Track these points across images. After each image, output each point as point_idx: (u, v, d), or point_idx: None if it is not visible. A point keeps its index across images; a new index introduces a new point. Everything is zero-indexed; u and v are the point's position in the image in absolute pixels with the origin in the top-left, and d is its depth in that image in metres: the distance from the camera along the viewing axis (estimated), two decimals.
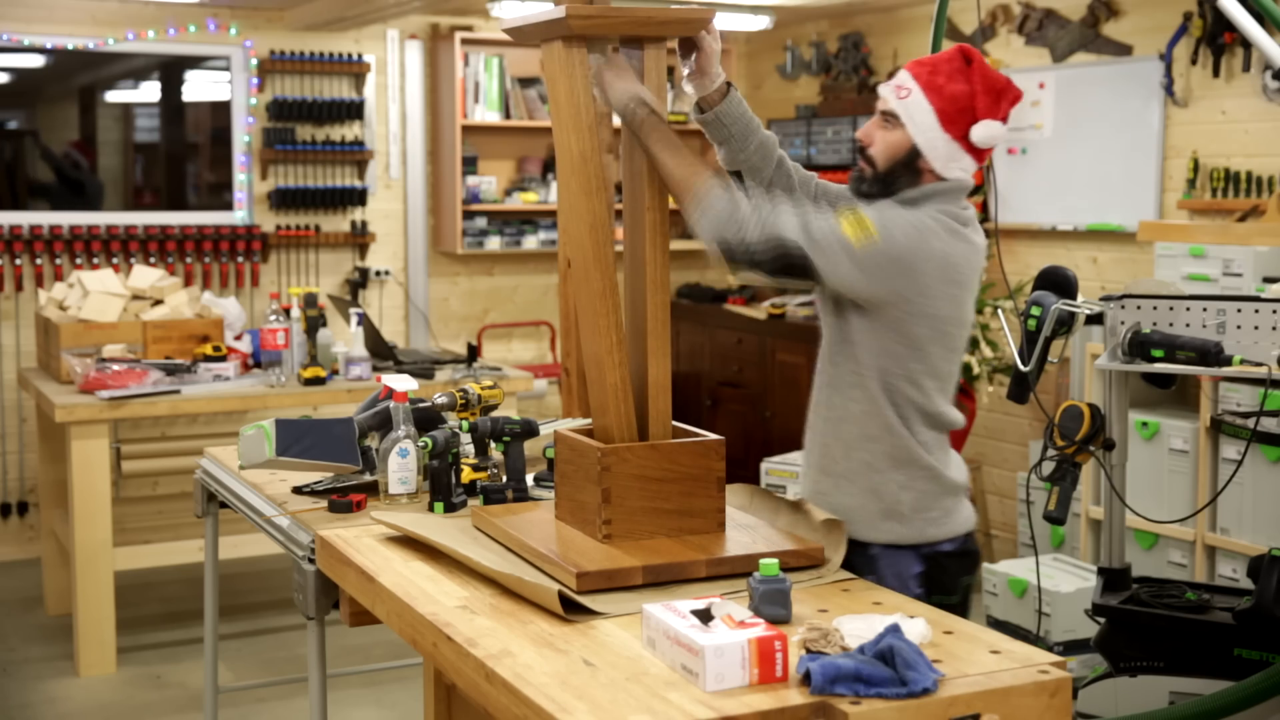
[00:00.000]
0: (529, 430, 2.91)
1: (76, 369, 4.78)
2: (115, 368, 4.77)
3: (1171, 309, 3.34)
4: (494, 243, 7.01)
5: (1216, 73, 5.21)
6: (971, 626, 2.14)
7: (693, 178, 2.46)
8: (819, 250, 2.40)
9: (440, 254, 7.12)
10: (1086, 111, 5.76)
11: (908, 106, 2.51)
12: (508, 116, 7.02)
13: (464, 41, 6.84)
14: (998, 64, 6.13)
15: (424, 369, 5.15)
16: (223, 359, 4.99)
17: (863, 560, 2.53)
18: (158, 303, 5.25)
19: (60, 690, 4.72)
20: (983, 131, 2.51)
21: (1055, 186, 5.92)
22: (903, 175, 2.54)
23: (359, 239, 6.85)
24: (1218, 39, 5.16)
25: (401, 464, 2.86)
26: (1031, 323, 3.21)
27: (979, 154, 2.57)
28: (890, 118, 2.54)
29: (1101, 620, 3.43)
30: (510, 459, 2.85)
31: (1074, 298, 3.28)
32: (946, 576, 2.56)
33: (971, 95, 2.50)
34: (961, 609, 2.59)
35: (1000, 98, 2.51)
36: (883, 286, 2.44)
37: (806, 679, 1.84)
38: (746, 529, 2.50)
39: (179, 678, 4.83)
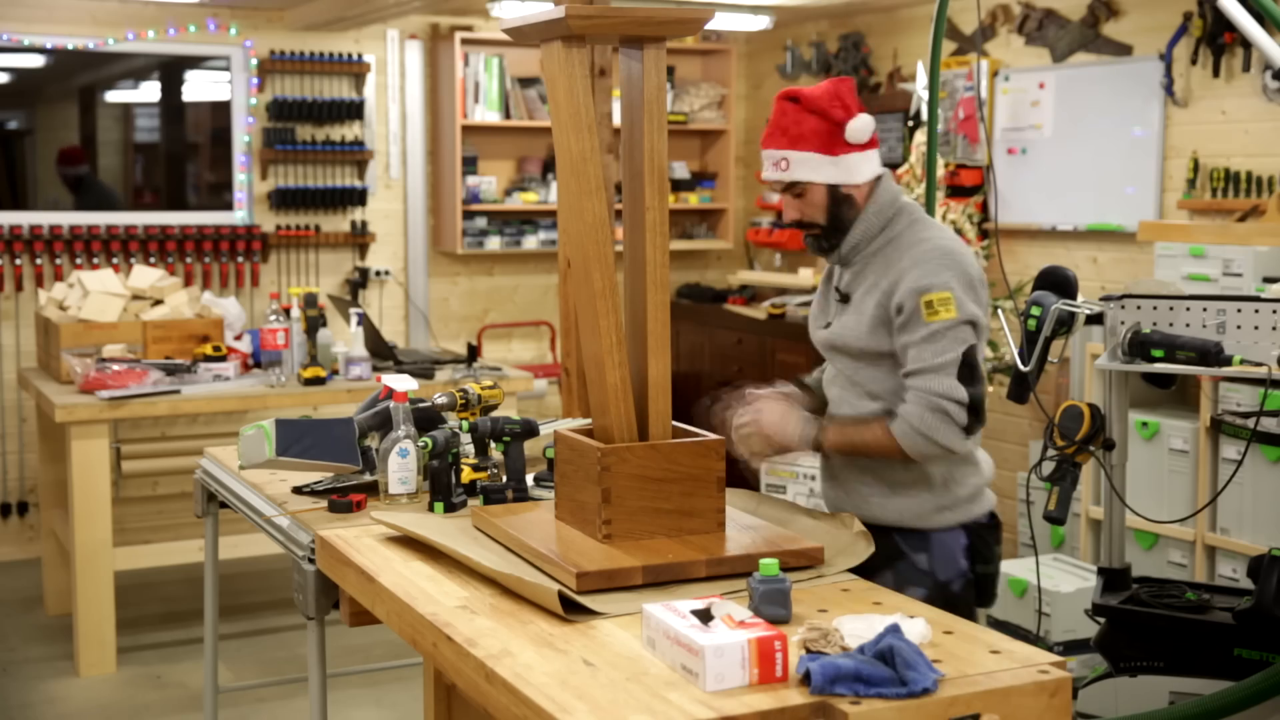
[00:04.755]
0: (529, 430, 2.91)
1: (76, 369, 4.78)
2: (115, 368, 4.77)
3: (1171, 309, 3.34)
4: (494, 243, 7.01)
5: (1216, 73, 5.21)
6: (971, 626, 2.14)
7: (885, 443, 2.66)
8: (959, 347, 2.60)
9: (440, 254, 7.12)
10: (1086, 111, 5.76)
11: (796, 171, 2.71)
12: (508, 116, 7.02)
13: (464, 41, 6.84)
14: (998, 64, 6.14)
15: (424, 369, 5.15)
16: (223, 359, 4.99)
17: (917, 542, 2.71)
18: (158, 303, 5.25)
19: (60, 690, 4.72)
20: (855, 127, 2.68)
21: (1055, 186, 5.92)
22: (842, 209, 2.73)
23: (359, 239, 6.85)
24: (1218, 39, 5.16)
25: (401, 464, 2.86)
26: (1031, 323, 3.21)
27: (870, 144, 2.75)
28: (793, 188, 2.74)
29: (1101, 620, 3.43)
30: (510, 459, 2.85)
31: (1074, 298, 3.28)
32: (985, 546, 2.78)
33: (823, 116, 2.68)
34: (996, 577, 2.86)
35: (836, 97, 2.69)
36: (985, 312, 2.69)
37: (806, 679, 1.84)
38: (746, 529, 2.51)
39: (179, 678, 4.83)
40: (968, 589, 2.71)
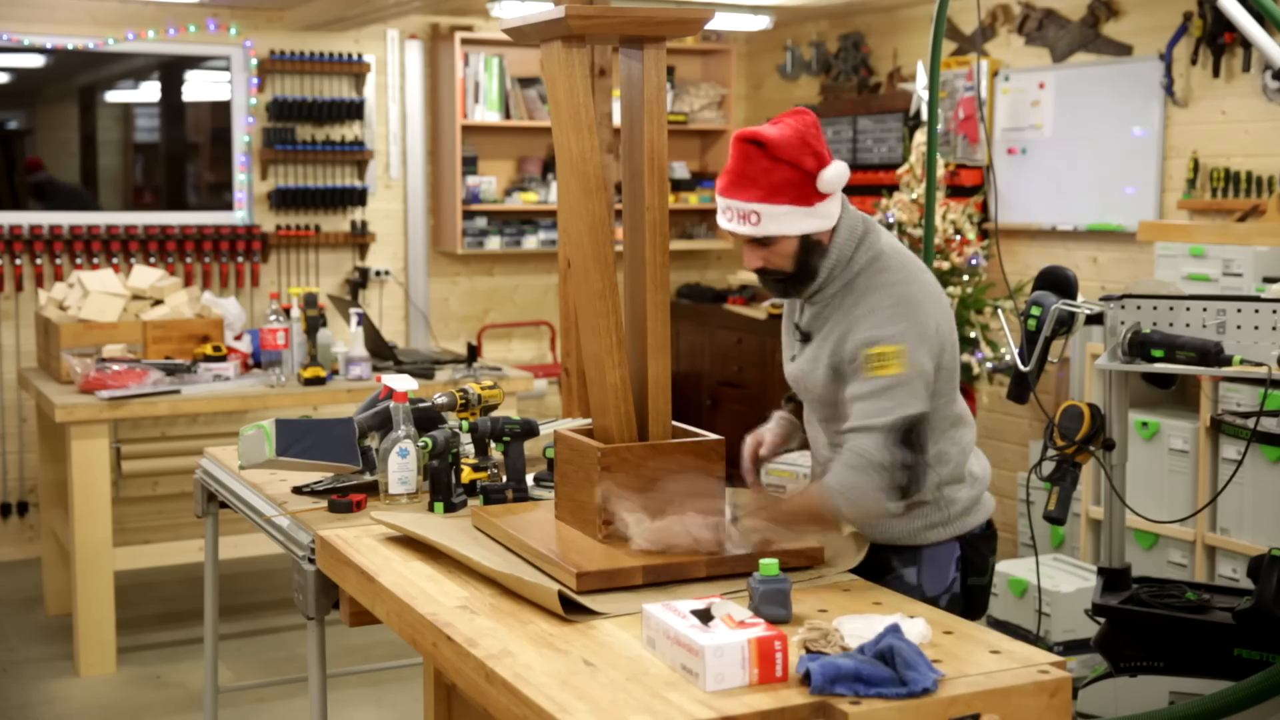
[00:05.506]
0: (529, 430, 2.91)
1: (76, 369, 4.78)
2: (115, 368, 4.77)
3: (1171, 309, 3.34)
4: (494, 243, 7.01)
5: (1216, 73, 5.21)
6: (971, 626, 2.14)
7: (822, 518, 2.48)
8: (900, 410, 2.43)
9: (440, 254, 7.12)
10: (1086, 111, 5.76)
11: (768, 225, 2.50)
12: (508, 116, 7.02)
13: (464, 41, 6.84)
14: (998, 64, 6.14)
15: (424, 369, 5.15)
16: (223, 359, 4.99)
17: (908, 556, 2.64)
18: (158, 303, 5.25)
19: (60, 690, 4.72)
20: (828, 177, 2.51)
21: (1055, 186, 5.92)
22: (812, 255, 2.55)
23: (359, 239, 6.85)
24: (1218, 39, 5.16)
25: (401, 464, 2.86)
26: (1031, 323, 3.21)
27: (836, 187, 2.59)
28: (765, 241, 2.54)
29: (1101, 620, 3.43)
30: (510, 459, 2.85)
31: (1074, 298, 3.28)
32: (978, 557, 2.71)
33: (795, 165, 2.49)
34: (988, 589, 2.77)
35: (805, 144, 2.51)
36: (941, 365, 2.55)
37: (806, 679, 1.84)
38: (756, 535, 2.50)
39: (179, 678, 4.83)
40: (954, 604, 2.62)
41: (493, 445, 2.97)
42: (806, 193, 2.50)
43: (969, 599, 2.69)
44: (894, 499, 2.45)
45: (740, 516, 2.45)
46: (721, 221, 2.58)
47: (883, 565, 2.62)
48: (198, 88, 6.87)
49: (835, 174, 2.50)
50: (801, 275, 2.57)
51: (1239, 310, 3.26)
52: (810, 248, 2.54)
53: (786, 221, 2.50)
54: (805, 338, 2.64)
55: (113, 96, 6.81)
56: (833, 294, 2.58)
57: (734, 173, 2.52)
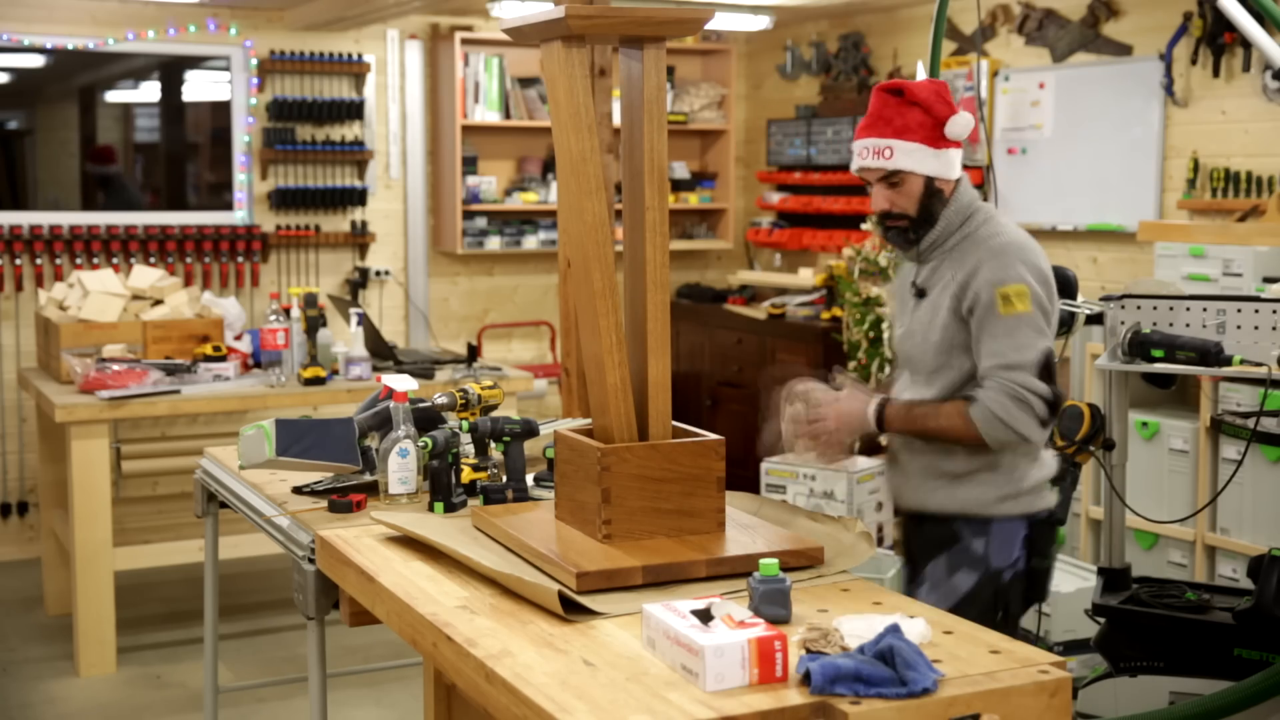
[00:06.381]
0: (529, 430, 2.91)
1: (76, 369, 4.78)
2: (115, 368, 4.77)
3: (1171, 309, 3.34)
4: (494, 243, 7.01)
5: (1216, 73, 5.21)
6: (971, 626, 2.14)
7: (957, 426, 2.69)
8: (1040, 344, 2.65)
9: (440, 254, 7.12)
10: (1086, 111, 5.76)
11: (900, 160, 2.74)
12: (508, 116, 7.02)
13: (464, 41, 6.84)
14: (998, 64, 6.14)
15: (424, 369, 5.15)
16: (223, 359, 4.99)
17: (978, 527, 2.73)
18: (158, 303, 5.25)
19: (60, 690, 4.72)
20: (955, 127, 2.73)
21: (1055, 186, 5.92)
22: (934, 202, 2.77)
23: (359, 239, 6.85)
24: (1218, 39, 5.16)
25: (401, 464, 2.86)
26: None
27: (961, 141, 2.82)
28: (892, 178, 2.76)
29: (1101, 620, 3.43)
30: (510, 459, 2.85)
31: (1074, 298, 3.29)
32: (1043, 540, 2.81)
33: (927, 110, 2.74)
34: (1049, 575, 2.91)
35: (939, 97, 2.75)
36: (1056, 303, 2.74)
37: (806, 679, 1.84)
38: (746, 529, 2.51)
39: (179, 678, 4.83)
40: (1018, 581, 2.74)
41: (493, 445, 2.97)
42: (935, 136, 2.73)
43: (1032, 580, 2.79)
44: (1041, 430, 2.63)
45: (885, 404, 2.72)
46: (855, 164, 2.81)
47: (950, 536, 2.72)
48: (198, 88, 6.87)
49: (963, 122, 2.72)
50: (923, 220, 2.77)
51: (1239, 310, 3.26)
52: (933, 193, 2.76)
53: (916, 158, 2.72)
54: (921, 294, 2.80)
55: (113, 96, 6.81)
56: (951, 247, 2.76)
57: (872, 115, 2.78)
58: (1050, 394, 2.63)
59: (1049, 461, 2.84)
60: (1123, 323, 3.34)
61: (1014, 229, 2.78)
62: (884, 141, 2.74)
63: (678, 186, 7.39)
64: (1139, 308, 3.36)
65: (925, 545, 2.58)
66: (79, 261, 6.23)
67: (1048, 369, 2.64)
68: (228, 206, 6.70)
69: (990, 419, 2.62)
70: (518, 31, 2.54)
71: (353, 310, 5.08)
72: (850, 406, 2.78)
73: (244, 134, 6.66)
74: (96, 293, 5.13)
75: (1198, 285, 4.76)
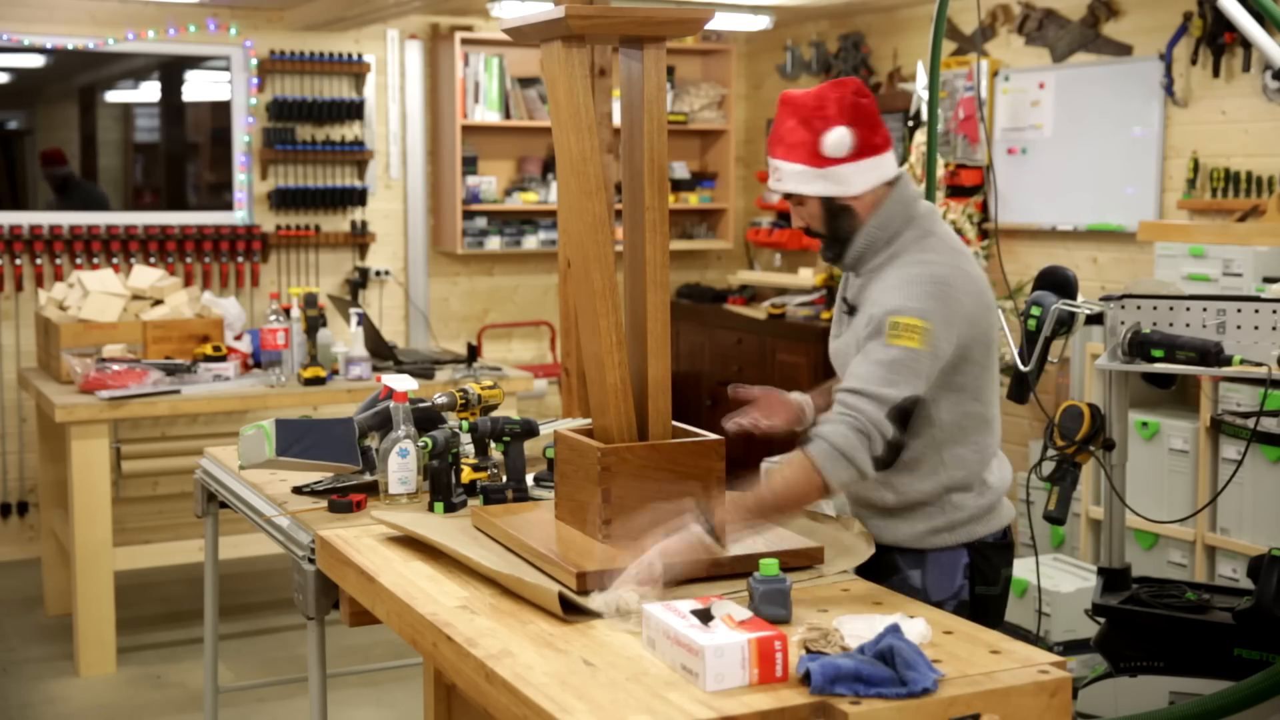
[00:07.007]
0: (529, 430, 2.91)
1: (76, 369, 4.78)
2: (115, 368, 4.77)
3: (1171, 309, 3.34)
4: (494, 243, 7.01)
5: (1216, 73, 5.21)
6: (971, 626, 2.14)
7: (806, 489, 2.40)
8: (909, 387, 2.41)
9: (440, 254, 7.12)
10: (1086, 111, 5.76)
11: (788, 182, 2.59)
12: (508, 116, 7.02)
13: (464, 41, 6.84)
14: (998, 64, 6.14)
15: (424, 369, 5.15)
16: (223, 359, 4.99)
17: (913, 559, 2.60)
18: (158, 303, 5.25)
19: (60, 690, 4.72)
20: (828, 145, 2.54)
21: (1055, 186, 5.92)
22: (840, 220, 2.59)
23: (359, 239, 6.85)
24: (1218, 39, 5.16)
25: (401, 464, 2.86)
26: (1031, 323, 3.21)
27: (866, 153, 2.58)
28: (790, 198, 2.64)
29: (1101, 620, 3.43)
30: (510, 459, 2.85)
31: (1074, 298, 3.28)
32: (989, 567, 2.64)
33: (806, 126, 2.55)
34: (1002, 601, 2.68)
35: (819, 107, 2.55)
36: (957, 352, 2.50)
37: (806, 679, 1.84)
38: (746, 529, 2.50)
39: (179, 678, 4.83)
40: (961, 611, 2.55)
41: (493, 445, 2.97)
42: (815, 155, 2.55)
43: (977, 607, 2.61)
44: (872, 466, 2.40)
45: (719, 518, 2.34)
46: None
47: (888, 566, 2.59)
48: (198, 88, 6.87)
49: (834, 140, 2.53)
50: (834, 236, 2.62)
51: (1239, 310, 3.26)
52: (836, 211, 2.59)
53: (799, 180, 2.58)
54: (851, 310, 2.66)
55: (113, 96, 6.81)
56: (878, 265, 2.58)
57: (772, 129, 2.64)
58: (895, 439, 2.40)
59: (995, 484, 2.64)
60: (1123, 323, 3.34)
61: (948, 256, 2.54)
62: (774, 162, 2.61)
63: (678, 186, 7.39)
64: (1139, 308, 3.36)
65: (868, 572, 2.48)
66: (79, 261, 6.23)
67: (904, 416, 2.42)
68: (228, 206, 6.70)
69: (832, 456, 2.35)
70: (518, 31, 2.54)
71: (353, 310, 5.08)
72: (675, 540, 2.32)
73: (244, 134, 6.66)
74: (96, 293, 5.13)
75: (1198, 285, 4.76)
